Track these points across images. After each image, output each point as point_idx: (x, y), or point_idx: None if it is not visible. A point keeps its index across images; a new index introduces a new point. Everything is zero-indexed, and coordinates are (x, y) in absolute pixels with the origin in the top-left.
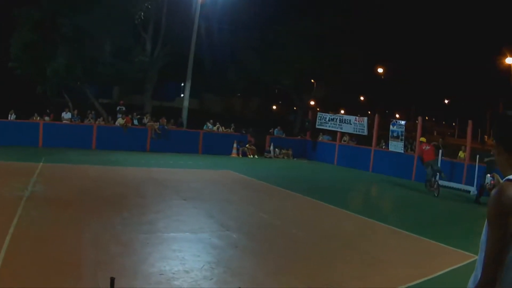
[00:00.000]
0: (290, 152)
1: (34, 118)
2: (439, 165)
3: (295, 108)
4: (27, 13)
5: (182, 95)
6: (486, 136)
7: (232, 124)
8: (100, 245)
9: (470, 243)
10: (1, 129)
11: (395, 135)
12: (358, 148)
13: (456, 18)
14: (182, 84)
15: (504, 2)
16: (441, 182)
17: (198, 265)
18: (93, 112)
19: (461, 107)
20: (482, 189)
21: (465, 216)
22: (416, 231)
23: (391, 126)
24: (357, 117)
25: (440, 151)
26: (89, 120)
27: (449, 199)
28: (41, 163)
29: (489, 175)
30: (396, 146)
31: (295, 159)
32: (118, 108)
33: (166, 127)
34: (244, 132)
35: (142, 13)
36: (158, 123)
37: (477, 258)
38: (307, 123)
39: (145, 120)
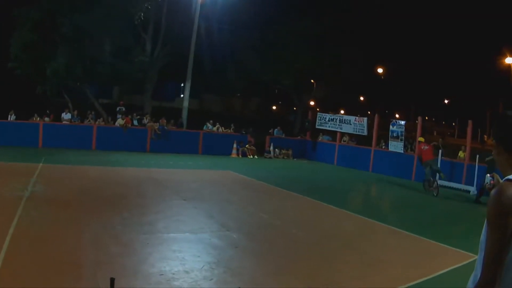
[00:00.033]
0: (290, 152)
1: (34, 119)
2: (438, 165)
3: (295, 108)
4: (27, 13)
5: (182, 95)
6: (486, 136)
7: (232, 124)
8: (100, 245)
9: (470, 243)
10: (1, 130)
11: (395, 135)
12: (358, 148)
13: (456, 18)
14: (182, 84)
15: (504, 2)
16: (441, 182)
17: (198, 265)
18: (93, 113)
19: (461, 107)
20: (482, 189)
21: (465, 216)
22: (416, 231)
23: (391, 126)
24: (357, 117)
25: (440, 151)
26: (89, 121)
27: (449, 199)
28: (41, 164)
29: (488, 175)
30: (396, 146)
31: (295, 159)
32: (118, 109)
33: (166, 127)
34: (244, 132)
35: (142, 13)
36: (158, 123)
37: (477, 258)
38: (307, 123)
39: (145, 121)
